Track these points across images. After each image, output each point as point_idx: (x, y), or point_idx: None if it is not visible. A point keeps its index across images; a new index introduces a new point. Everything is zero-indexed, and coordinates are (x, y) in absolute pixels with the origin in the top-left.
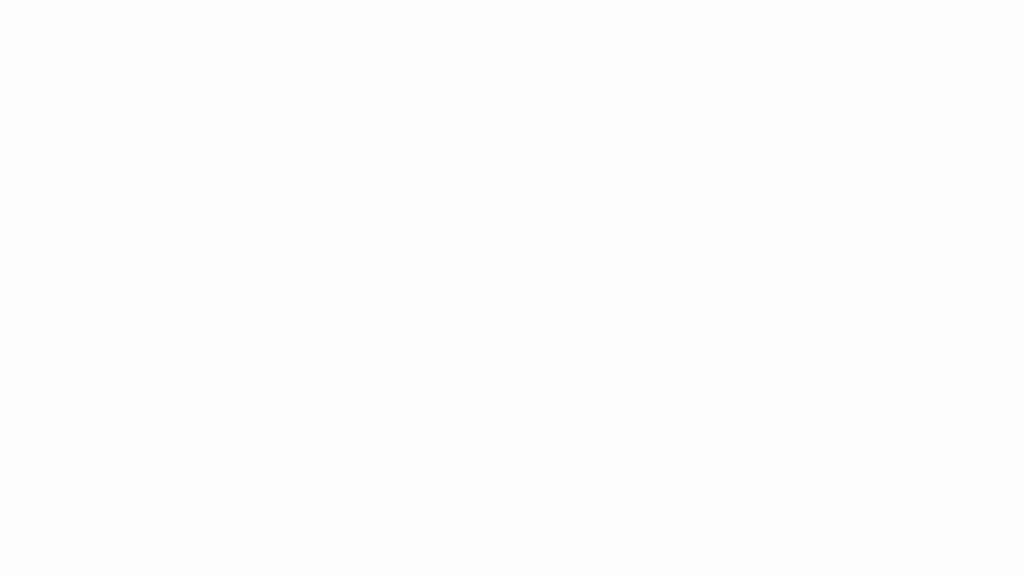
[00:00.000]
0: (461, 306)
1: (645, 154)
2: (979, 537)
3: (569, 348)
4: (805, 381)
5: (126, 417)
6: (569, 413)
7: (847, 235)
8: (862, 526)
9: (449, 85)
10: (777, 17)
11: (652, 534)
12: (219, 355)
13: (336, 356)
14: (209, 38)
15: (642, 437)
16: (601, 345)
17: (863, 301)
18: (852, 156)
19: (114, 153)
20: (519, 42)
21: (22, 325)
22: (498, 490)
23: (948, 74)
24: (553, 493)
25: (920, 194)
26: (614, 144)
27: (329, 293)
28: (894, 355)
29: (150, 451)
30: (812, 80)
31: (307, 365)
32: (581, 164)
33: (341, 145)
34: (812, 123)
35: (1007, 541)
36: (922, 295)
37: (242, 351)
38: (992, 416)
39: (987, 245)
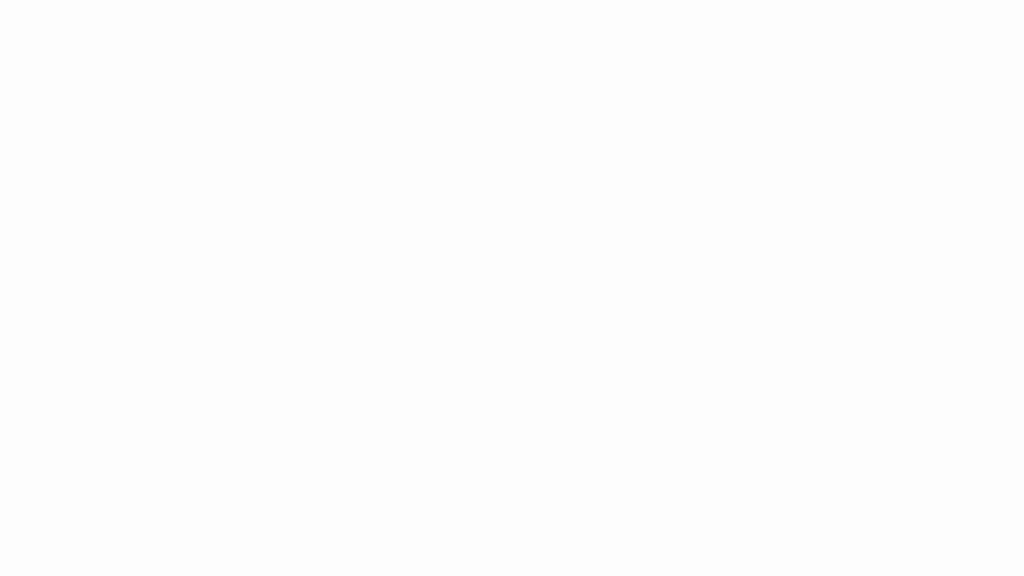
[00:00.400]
0: (461, 306)
1: (645, 154)
2: (979, 537)
3: (567, 348)
4: (804, 381)
5: (126, 417)
6: (568, 413)
7: (847, 235)
8: (861, 525)
9: (449, 85)
10: (777, 17)
11: (651, 534)
12: (219, 355)
13: (336, 356)
14: (209, 38)
15: (641, 437)
16: (600, 345)
17: (863, 301)
18: (852, 156)
19: (114, 153)
20: (519, 42)
21: (22, 325)
22: (497, 490)
23: (948, 74)
24: (552, 493)
25: (920, 194)
26: (614, 144)
27: (329, 292)
28: (893, 355)
29: (150, 451)
30: (812, 80)
31: (307, 365)
32: (581, 164)
33: (341, 145)
34: (812, 123)
35: (1007, 541)
36: (922, 295)
37: (242, 350)
38: (992, 415)
39: (987, 245)
